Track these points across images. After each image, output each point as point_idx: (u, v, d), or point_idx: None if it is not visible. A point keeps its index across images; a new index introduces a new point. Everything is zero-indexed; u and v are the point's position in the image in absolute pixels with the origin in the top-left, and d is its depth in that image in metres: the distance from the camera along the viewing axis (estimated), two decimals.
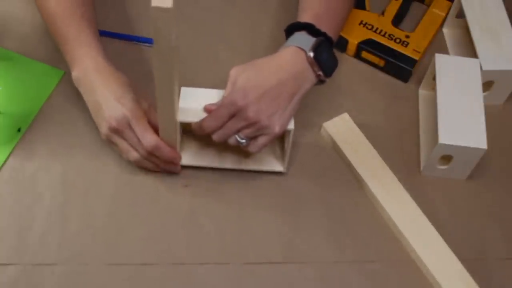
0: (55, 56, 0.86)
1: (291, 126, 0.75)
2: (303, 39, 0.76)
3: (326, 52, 0.76)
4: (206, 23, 0.97)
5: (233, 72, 0.73)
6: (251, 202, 0.79)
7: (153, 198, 0.79)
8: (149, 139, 0.74)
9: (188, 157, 0.80)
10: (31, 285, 0.71)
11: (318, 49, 0.75)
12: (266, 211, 0.78)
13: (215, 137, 0.74)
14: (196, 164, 0.80)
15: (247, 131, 0.73)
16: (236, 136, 0.73)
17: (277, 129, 0.73)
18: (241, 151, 0.80)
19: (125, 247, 0.75)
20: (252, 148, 0.75)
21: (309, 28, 0.76)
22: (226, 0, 0.99)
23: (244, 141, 0.74)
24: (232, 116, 0.72)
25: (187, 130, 0.79)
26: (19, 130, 0.82)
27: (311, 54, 0.74)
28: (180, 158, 0.78)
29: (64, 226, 0.75)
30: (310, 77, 0.76)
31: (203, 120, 0.73)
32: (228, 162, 0.80)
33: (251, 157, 0.81)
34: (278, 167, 0.80)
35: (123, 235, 0.75)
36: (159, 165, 0.78)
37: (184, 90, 0.76)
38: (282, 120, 0.73)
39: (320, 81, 0.77)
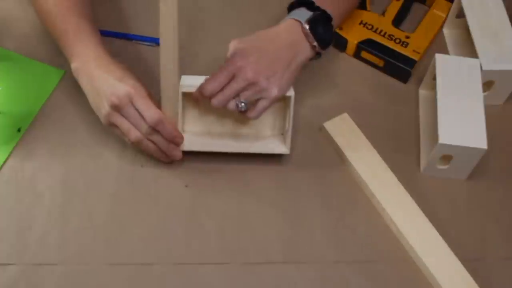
0: (55, 56, 0.86)
1: (290, 92, 0.76)
2: (301, 13, 0.79)
3: (322, 26, 0.79)
4: (205, 24, 0.97)
5: (232, 43, 0.76)
6: (251, 202, 0.79)
7: (154, 197, 0.79)
8: (152, 113, 0.73)
9: (188, 143, 0.79)
10: (31, 285, 0.71)
11: (313, 22, 0.78)
12: (266, 211, 0.78)
13: (215, 101, 0.74)
14: (197, 149, 0.79)
15: (247, 93, 0.74)
16: (236, 101, 0.74)
17: (276, 91, 0.74)
18: (242, 136, 0.81)
19: (125, 246, 0.75)
20: (252, 113, 0.76)
21: (308, 5, 0.80)
22: (225, 0, 1.00)
23: (243, 105, 0.74)
24: (231, 78, 0.73)
25: (187, 119, 0.79)
26: (19, 130, 0.82)
27: (306, 26, 0.78)
28: (182, 138, 0.78)
29: (64, 226, 0.75)
30: (305, 47, 0.79)
31: (203, 83, 0.74)
32: (230, 146, 0.80)
33: (253, 140, 0.81)
34: (281, 148, 0.80)
35: (124, 234, 0.75)
36: (161, 146, 0.77)
37: (184, 77, 0.77)
38: (280, 83, 0.75)
39: (317, 54, 0.80)
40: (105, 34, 0.92)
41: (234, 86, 0.73)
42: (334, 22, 0.82)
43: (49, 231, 0.75)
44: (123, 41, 0.93)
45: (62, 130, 0.83)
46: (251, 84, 0.73)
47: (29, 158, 0.81)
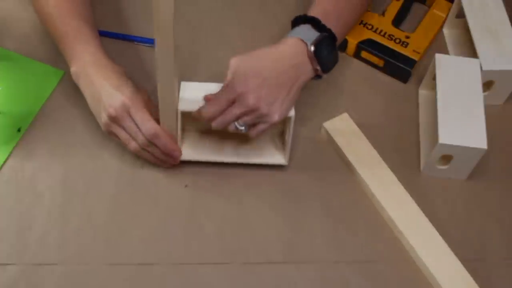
0: (55, 56, 0.86)
1: (291, 113, 0.76)
2: (307, 33, 0.77)
3: (327, 49, 0.77)
4: (205, 23, 0.97)
5: (233, 61, 0.74)
6: (251, 202, 0.79)
7: (153, 198, 0.79)
8: (148, 126, 0.74)
9: (188, 152, 0.79)
10: (31, 285, 0.71)
11: (319, 44, 0.76)
12: (266, 211, 0.78)
13: (214, 124, 0.74)
14: (196, 158, 0.80)
15: (247, 118, 0.73)
16: (235, 123, 0.74)
17: (276, 117, 0.74)
18: (242, 145, 0.80)
19: (125, 247, 0.75)
20: (252, 133, 0.75)
21: (315, 23, 0.77)
22: (225, 0, 1.00)
23: (243, 128, 0.74)
24: (231, 103, 0.72)
25: (187, 122, 0.79)
26: (19, 130, 0.82)
27: (312, 49, 0.75)
28: (180, 152, 0.78)
29: (64, 226, 0.75)
30: (308, 70, 0.76)
31: (203, 106, 0.73)
32: (229, 156, 0.80)
33: (252, 150, 0.81)
34: (279, 159, 0.80)
35: (123, 235, 0.75)
36: (158, 156, 0.77)
37: (184, 84, 0.77)
38: (281, 109, 0.74)
39: (317, 76, 0.78)
40: (104, 35, 0.92)
41: (234, 112, 0.72)
42: (338, 41, 0.80)
43: (49, 231, 0.75)
44: (123, 42, 0.93)
45: (62, 130, 0.83)
46: (251, 111, 0.72)
47: (29, 158, 0.81)
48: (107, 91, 0.74)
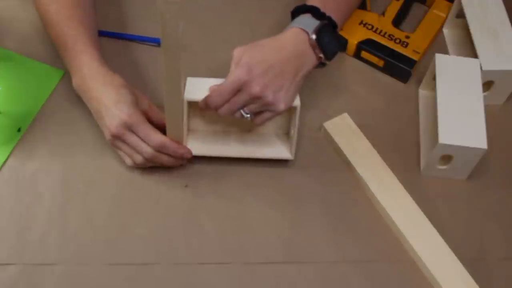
0: (55, 56, 0.86)
1: (297, 102, 0.76)
2: (307, 22, 0.77)
3: (329, 36, 0.77)
4: (205, 23, 0.97)
5: (236, 52, 0.74)
6: (251, 202, 0.79)
7: (154, 198, 0.79)
8: (154, 139, 0.74)
9: (194, 147, 0.79)
10: (31, 285, 0.71)
11: (320, 31, 0.76)
12: (266, 211, 0.78)
13: (220, 111, 0.74)
14: (202, 153, 0.80)
15: (253, 106, 0.74)
16: (241, 111, 0.74)
17: (282, 106, 0.74)
18: (248, 140, 0.81)
19: (125, 247, 0.75)
20: (257, 121, 0.76)
21: (314, 11, 0.78)
22: (225, 0, 1.00)
23: (248, 115, 0.74)
24: (237, 91, 0.73)
25: (193, 116, 0.79)
26: (19, 130, 0.82)
27: (313, 37, 0.76)
28: (190, 153, 0.78)
29: (64, 226, 0.75)
30: (311, 58, 0.77)
31: (208, 96, 0.74)
32: (235, 150, 0.80)
33: (258, 145, 0.81)
34: (285, 154, 0.81)
35: (124, 235, 0.75)
36: (168, 162, 0.78)
37: (190, 79, 0.77)
38: (287, 98, 0.74)
39: (321, 64, 0.79)
40: (105, 34, 0.92)
41: (240, 100, 0.73)
42: (338, 28, 0.81)
43: (49, 231, 0.75)
44: (123, 42, 0.93)
45: (62, 130, 0.83)
46: (257, 98, 0.73)
47: (29, 158, 0.81)
48: (106, 108, 0.74)
